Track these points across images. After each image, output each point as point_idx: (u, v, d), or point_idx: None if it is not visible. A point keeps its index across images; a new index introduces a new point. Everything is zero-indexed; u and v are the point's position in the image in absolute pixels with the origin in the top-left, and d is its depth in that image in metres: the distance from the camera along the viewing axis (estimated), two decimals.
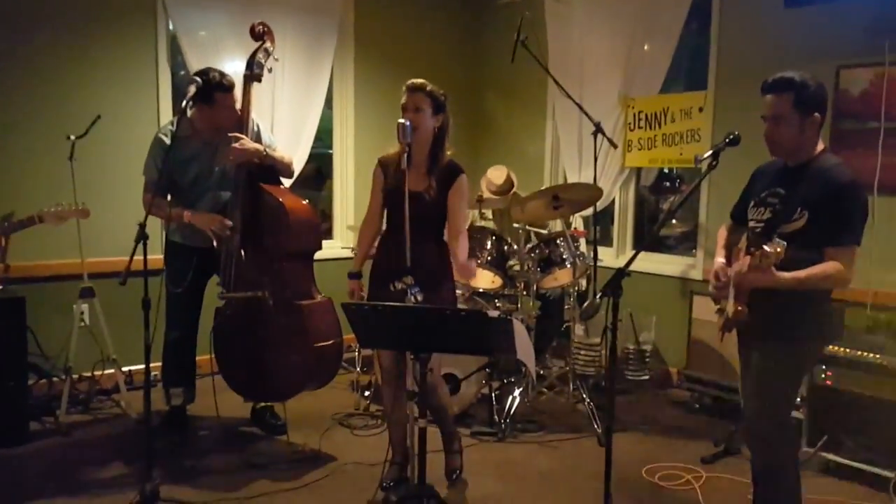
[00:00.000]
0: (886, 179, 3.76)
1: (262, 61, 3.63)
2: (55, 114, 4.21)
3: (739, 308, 2.48)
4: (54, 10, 4.21)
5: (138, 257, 2.85)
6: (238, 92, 3.60)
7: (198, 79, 3.43)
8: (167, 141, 3.53)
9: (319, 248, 3.76)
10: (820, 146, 2.55)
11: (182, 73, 4.67)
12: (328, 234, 5.46)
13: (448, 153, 3.13)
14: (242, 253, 3.56)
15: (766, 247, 2.22)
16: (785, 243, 2.24)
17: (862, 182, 2.55)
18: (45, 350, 4.05)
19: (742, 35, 4.42)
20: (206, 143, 3.65)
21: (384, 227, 3.26)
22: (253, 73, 3.60)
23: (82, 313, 4.03)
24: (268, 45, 3.65)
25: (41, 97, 4.21)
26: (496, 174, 4.92)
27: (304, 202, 3.67)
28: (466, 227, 3.23)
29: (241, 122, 3.58)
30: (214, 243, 3.56)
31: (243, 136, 3.52)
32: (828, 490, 3.28)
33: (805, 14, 4.06)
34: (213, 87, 3.48)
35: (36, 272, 4.17)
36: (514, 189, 4.91)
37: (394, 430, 3.23)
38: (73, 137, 3.93)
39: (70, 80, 4.29)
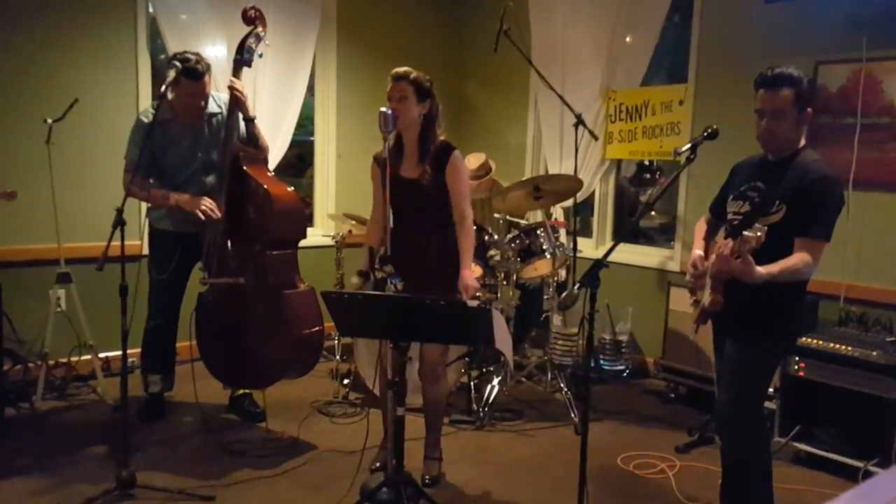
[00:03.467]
0: (861, 175, 3.81)
1: (253, 46, 3.59)
2: (32, 97, 4.14)
3: (715, 297, 2.51)
4: None
5: (116, 243, 2.83)
6: (223, 77, 3.56)
7: (177, 63, 3.38)
8: (147, 122, 3.49)
9: (304, 236, 3.74)
10: (802, 141, 2.59)
11: (162, 56, 4.61)
12: (309, 222, 5.43)
13: (441, 139, 3.12)
14: (228, 240, 3.53)
15: (746, 232, 2.23)
16: (766, 228, 2.25)
17: (839, 178, 2.58)
18: (20, 335, 4.00)
19: (723, 29, 4.45)
20: (187, 128, 3.62)
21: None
22: (243, 58, 3.57)
23: (59, 299, 3.99)
24: (259, 29, 3.61)
25: (18, 79, 4.14)
26: (472, 159, 4.90)
27: (289, 189, 3.64)
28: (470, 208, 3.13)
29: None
30: (203, 218, 3.48)
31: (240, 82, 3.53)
32: (798, 479, 3.35)
33: (785, 9, 4.10)
34: (184, 71, 3.41)
35: (12, 257, 4.12)
36: (491, 174, 4.90)
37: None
38: (50, 121, 3.88)
39: (48, 62, 4.22)
